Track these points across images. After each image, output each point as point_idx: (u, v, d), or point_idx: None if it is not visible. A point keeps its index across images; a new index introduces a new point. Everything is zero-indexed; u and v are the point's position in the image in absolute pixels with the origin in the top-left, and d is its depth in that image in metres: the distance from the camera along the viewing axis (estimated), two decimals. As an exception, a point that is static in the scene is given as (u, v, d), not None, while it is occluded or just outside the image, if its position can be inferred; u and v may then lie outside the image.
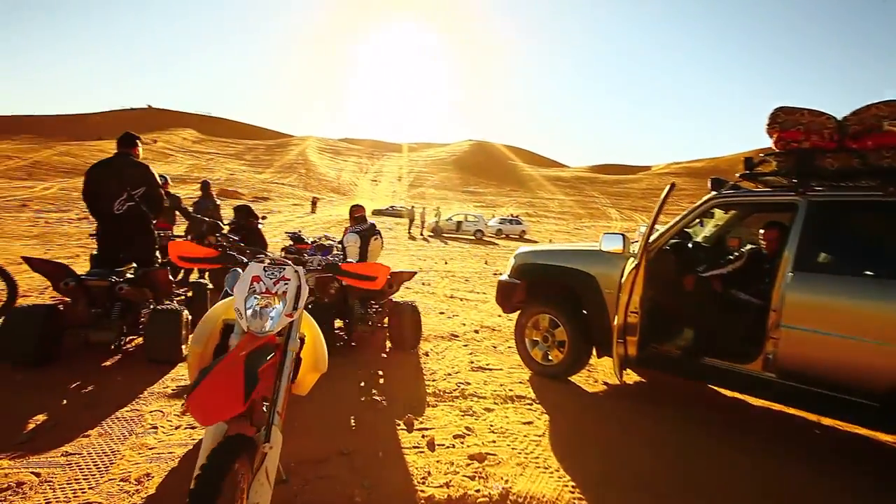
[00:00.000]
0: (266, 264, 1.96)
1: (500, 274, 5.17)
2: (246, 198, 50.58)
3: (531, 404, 3.75)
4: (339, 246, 6.76)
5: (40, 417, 3.09)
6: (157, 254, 5.14)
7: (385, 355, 4.82)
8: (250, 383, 1.49)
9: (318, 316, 4.70)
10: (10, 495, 2.33)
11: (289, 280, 1.90)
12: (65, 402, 3.35)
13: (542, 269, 4.45)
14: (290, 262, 2.00)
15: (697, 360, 3.44)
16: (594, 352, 4.13)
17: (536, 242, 25.94)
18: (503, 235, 28.45)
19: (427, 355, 4.86)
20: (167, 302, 4.63)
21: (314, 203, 39.97)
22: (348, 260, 4.91)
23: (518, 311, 4.59)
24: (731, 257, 4.25)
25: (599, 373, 4.60)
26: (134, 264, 4.35)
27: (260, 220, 8.48)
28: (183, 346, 4.16)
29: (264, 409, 1.90)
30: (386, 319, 5.08)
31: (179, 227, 8.81)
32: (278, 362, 1.83)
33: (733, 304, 3.75)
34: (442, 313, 6.92)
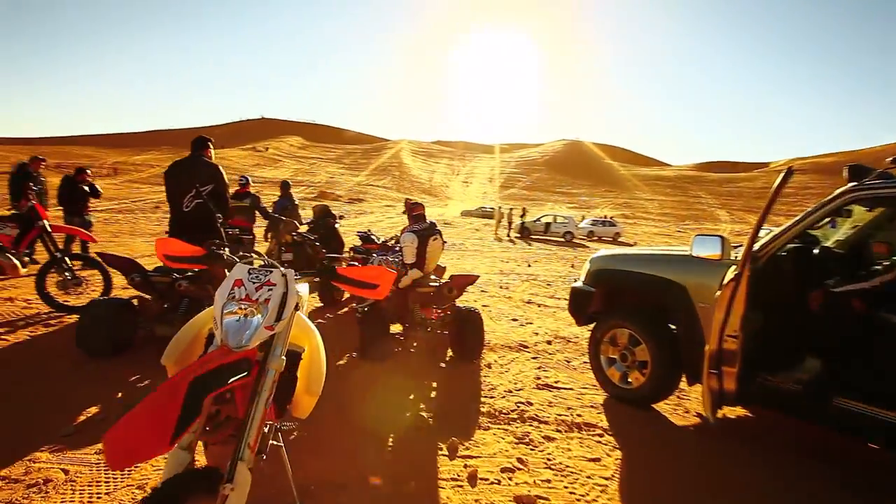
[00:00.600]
0: (252, 267, 1.66)
1: (574, 279, 4.59)
2: (342, 199, 53.42)
3: (601, 436, 3.17)
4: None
5: (92, 410, 3.12)
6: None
7: (443, 365, 4.45)
8: (188, 416, 1.18)
9: (373, 319, 4.50)
10: (34, 493, 2.29)
11: (273, 286, 1.58)
12: (120, 395, 3.39)
13: (621, 277, 3.81)
14: (278, 265, 1.69)
15: (826, 401, 2.65)
16: (684, 377, 3.43)
17: (633, 245, 24.21)
18: (595, 238, 26.91)
19: (489, 367, 4.41)
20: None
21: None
22: (406, 262, 4.61)
23: (593, 324, 3.99)
24: (877, 268, 3.31)
25: (692, 401, 3.85)
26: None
27: (337, 220, 8.55)
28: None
29: (266, 430, 1.61)
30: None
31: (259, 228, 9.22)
32: (254, 382, 1.52)
33: (882, 330, 2.87)
34: (515, 320, 6.41)
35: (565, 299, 8.04)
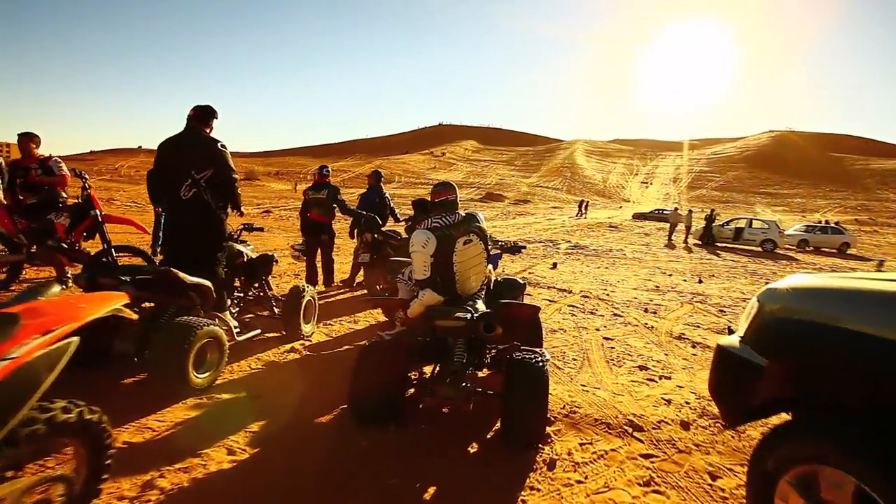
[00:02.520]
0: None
1: (727, 328, 2.40)
2: (508, 200, 52.74)
3: None
4: (503, 244, 4.93)
5: None
6: (247, 250, 4.24)
7: (475, 449, 2.70)
8: None
9: (374, 356, 2.85)
10: None
11: None
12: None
13: (840, 340, 1.63)
14: None
15: None
16: None
17: (880, 263, 18.13)
18: (809, 248, 20.82)
19: (551, 467, 2.52)
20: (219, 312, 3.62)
21: (583, 206, 36.68)
22: (414, 278, 2.98)
23: (757, 429, 1.85)
24: None
25: None
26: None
27: None
28: (193, 374, 3.01)
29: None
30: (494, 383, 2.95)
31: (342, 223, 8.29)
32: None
33: None
34: (643, 369, 4.23)
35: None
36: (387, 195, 7.14)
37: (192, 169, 3.52)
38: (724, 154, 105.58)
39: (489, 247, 3.35)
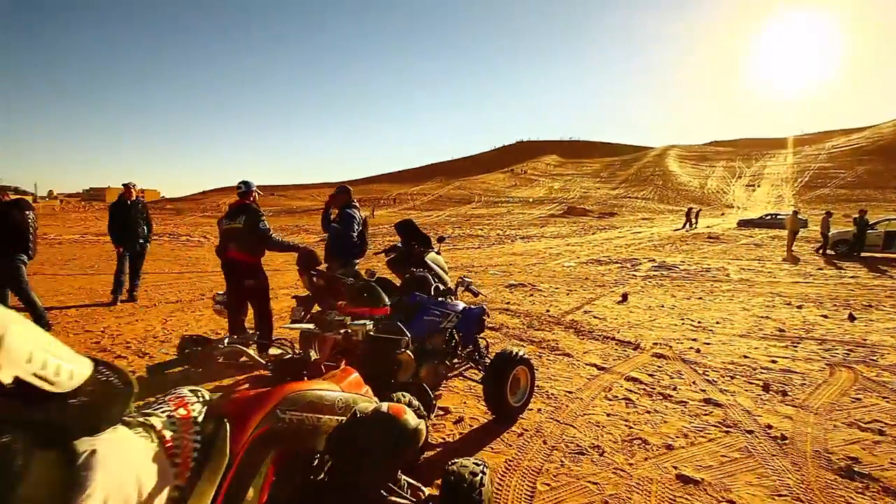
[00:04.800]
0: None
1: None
2: (593, 214, 48.69)
3: None
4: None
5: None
6: None
7: None
8: None
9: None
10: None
11: None
12: None
13: None
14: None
15: None
16: None
17: None
18: None
19: None
20: None
21: (691, 215, 29.85)
22: None
23: None
24: None
25: None
26: None
27: (433, 248, 5.10)
28: None
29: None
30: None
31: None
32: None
33: None
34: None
35: None
36: (353, 216, 5.02)
37: None
38: (850, 146, 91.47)
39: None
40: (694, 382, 4.06)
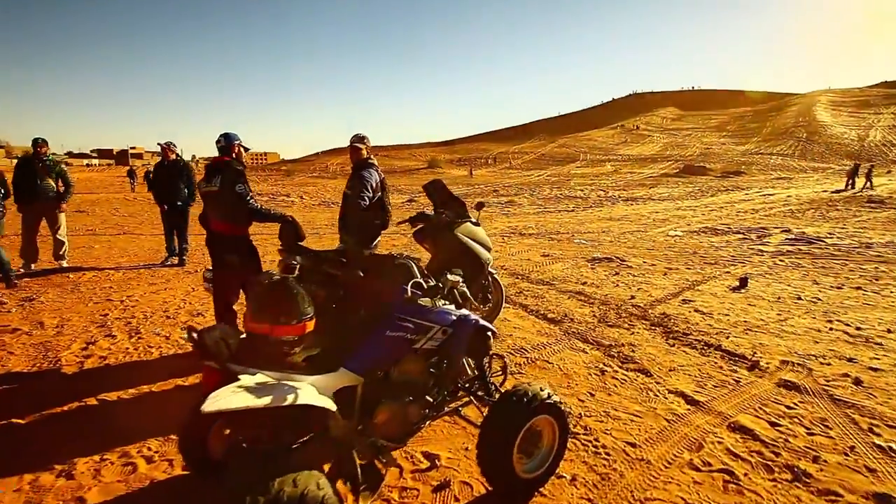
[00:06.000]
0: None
1: None
2: (713, 173, 42.84)
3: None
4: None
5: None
6: None
7: None
8: None
9: None
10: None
11: None
12: None
13: None
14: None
15: None
16: None
17: None
18: None
19: None
20: None
21: (857, 173, 24.05)
22: None
23: None
24: None
25: None
26: None
27: (469, 217, 3.94)
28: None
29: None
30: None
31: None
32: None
33: None
34: None
35: None
36: (366, 179, 3.92)
37: None
38: None
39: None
40: (852, 449, 2.49)
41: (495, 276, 4.40)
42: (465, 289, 2.48)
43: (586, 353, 3.86)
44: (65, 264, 6.65)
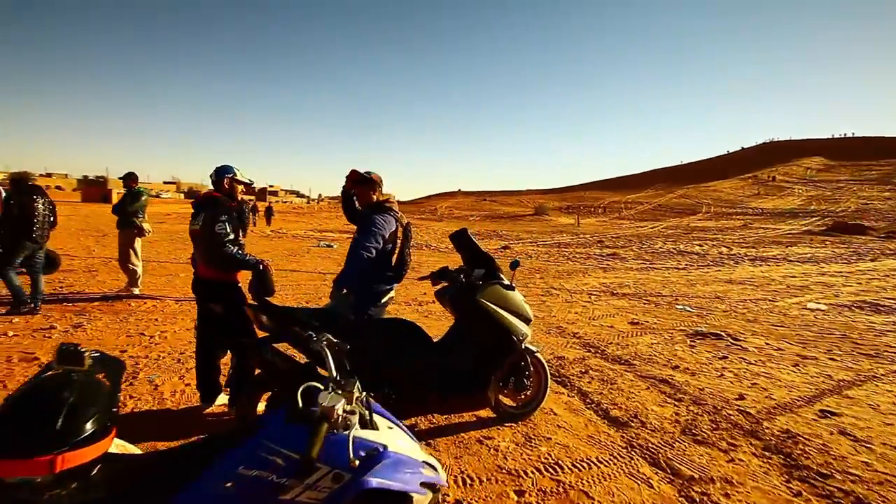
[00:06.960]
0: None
1: None
2: (876, 232, 36.08)
3: None
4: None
5: None
6: None
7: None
8: None
9: None
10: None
11: None
12: None
13: None
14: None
15: None
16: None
17: None
18: None
19: None
20: None
21: None
22: None
23: None
24: None
25: None
26: None
27: (501, 278, 3.10)
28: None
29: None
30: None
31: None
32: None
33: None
34: None
35: None
36: (377, 225, 3.13)
37: None
38: None
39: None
40: None
41: (536, 353, 3.33)
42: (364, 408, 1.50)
43: (651, 486, 2.61)
44: (136, 291, 6.87)
